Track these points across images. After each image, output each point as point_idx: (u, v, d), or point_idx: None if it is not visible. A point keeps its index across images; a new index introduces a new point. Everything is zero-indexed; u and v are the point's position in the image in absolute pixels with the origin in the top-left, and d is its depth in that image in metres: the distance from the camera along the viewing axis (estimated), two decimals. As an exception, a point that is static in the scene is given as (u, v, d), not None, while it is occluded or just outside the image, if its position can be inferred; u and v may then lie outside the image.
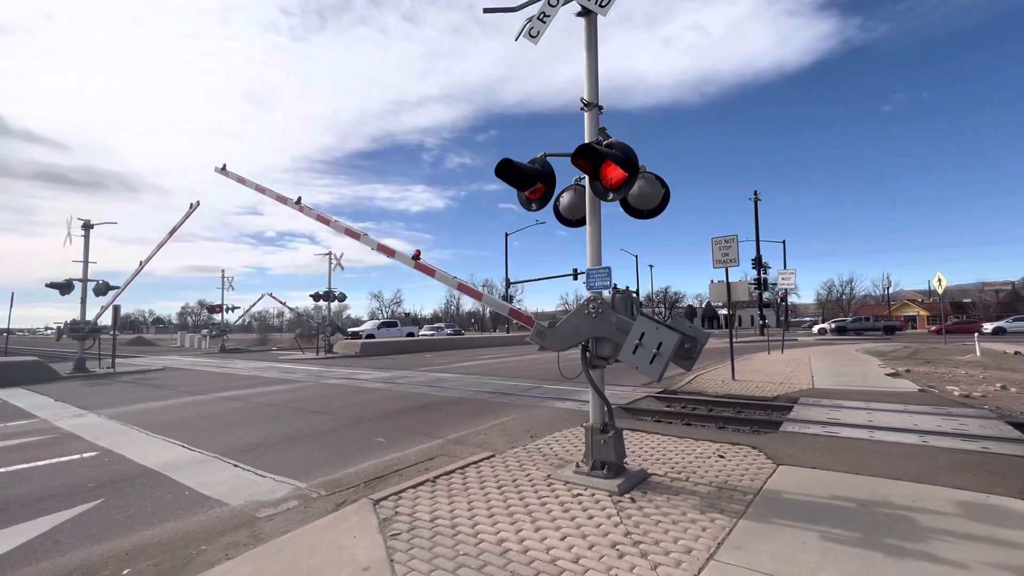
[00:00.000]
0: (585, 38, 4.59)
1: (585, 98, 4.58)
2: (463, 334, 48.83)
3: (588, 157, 3.95)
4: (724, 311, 61.15)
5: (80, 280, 17.47)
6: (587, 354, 4.28)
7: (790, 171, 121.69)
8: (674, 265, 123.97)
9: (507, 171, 4.37)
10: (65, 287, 17.50)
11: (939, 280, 21.14)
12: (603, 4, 4.23)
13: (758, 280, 39.72)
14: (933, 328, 44.21)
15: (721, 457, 4.92)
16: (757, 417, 7.33)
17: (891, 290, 73.17)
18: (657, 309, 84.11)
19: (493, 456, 5.11)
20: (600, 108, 4.59)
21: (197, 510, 4.10)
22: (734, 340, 31.08)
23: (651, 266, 79.43)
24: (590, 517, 3.46)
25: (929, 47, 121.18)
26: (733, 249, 10.92)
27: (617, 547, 3.00)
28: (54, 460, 5.76)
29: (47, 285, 17.42)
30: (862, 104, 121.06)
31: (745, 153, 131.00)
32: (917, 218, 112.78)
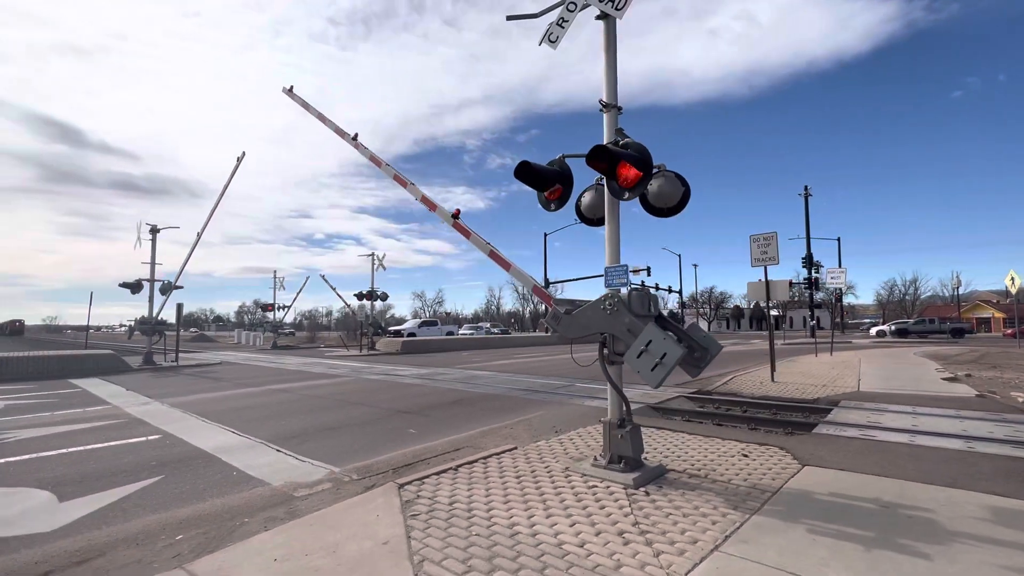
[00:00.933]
0: (604, 41, 4.68)
1: (604, 99, 4.67)
2: (510, 333, 48.86)
3: (603, 158, 4.04)
4: (774, 311, 58.71)
5: (148, 280, 19.00)
6: (604, 350, 4.37)
7: (848, 165, 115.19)
8: (720, 264, 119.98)
9: (525, 173, 4.53)
10: (135, 286, 19.10)
11: (1011, 279, 19.55)
12: (619, 7, 4.31)
13: (809, 279, 37.95)
14: (1009, 331, 40.69)
15: (745, 456, 4.88)
16: (791, 419, 7.14)
17: (962, 290, 67.85)
18: (702, 310, 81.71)
19: (515, 448, 5.28)
20: (619, 109, 4.67)
21: (243, 488, 4.50)
22: (783, 342, 29.71)
23: (695, 265, 76.53)
24: (602, 507, 3.56)
25: (1007, 26, 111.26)
26: (772, 247, 10.60)
27: (624, 535, 3.10)
28: (123, 441, 6.40)
29: (120, 285, 19.09)
30: (929, 91, 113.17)
31: (798, 147, 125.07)
32: (993, 212, 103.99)
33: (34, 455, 5.78)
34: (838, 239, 44.88)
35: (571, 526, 3.25)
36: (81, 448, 6.07)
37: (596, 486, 4.01)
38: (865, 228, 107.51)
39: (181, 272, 19.43)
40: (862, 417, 6.77)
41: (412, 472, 4.57)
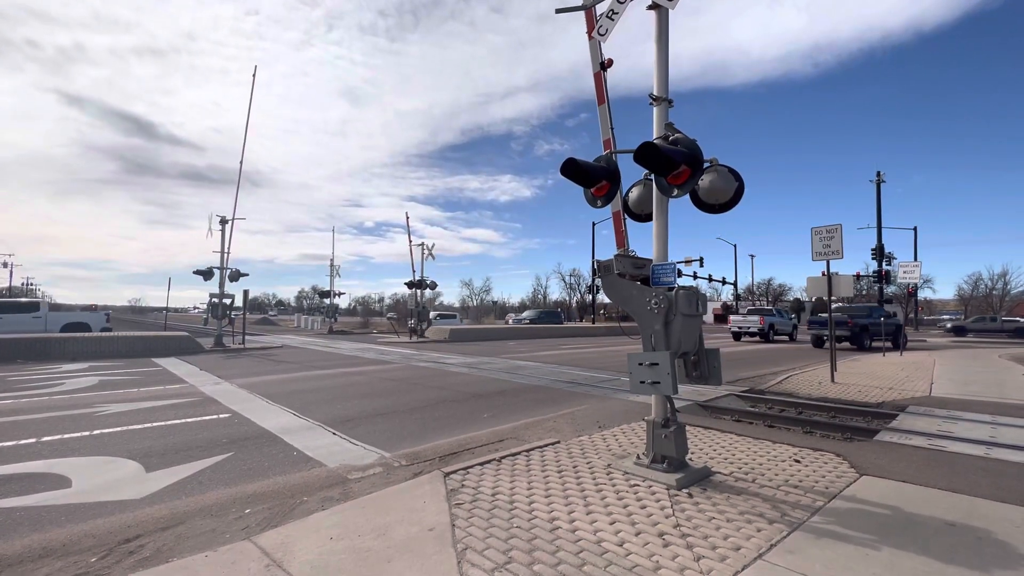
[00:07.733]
0: (655, 31, 4.56)
1: (654, 92, 4.56)
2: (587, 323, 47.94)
3: (651, 155, 3.96)
4: (836, 306, 54.91)
5: (219, 268, 20.45)
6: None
7: (927, 149, 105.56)
8: (779, 255, 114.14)
9: (572, 170, 4.51)
10: (207, 274, 20.64)
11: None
12: (671, -3, 4.17)
13: (879, 272, 35.42)
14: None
15: (797, 462, 4.71)
16: (850, 423, 6.77)
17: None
18: (759, 302, 78.20)
19: (558, 442, 5.34)
20: (669, 102, 4.55)
21: (302, 468, 4.84)
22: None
23: (752, 256, 73.61)
24: (643, 507, 3.57)
25: None
26: (836, 240, 10.00)
27: (664, 536, 3.10)
28: (198, 419, 7.01)
29: (194, 272, 20.66)
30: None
31: (869, 129, 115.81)
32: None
33: (124, 428, 6.44)
34: (914, 229, 41.61)
35: (611, 524, 3.29)
36: (163, 423, 6.70)
37: (638, 485, 4.02)
38: (946, 217, 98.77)
39: (227, 254, 20.66)
40: (931, 425, 6.32)
41: (457, 461, 4.74)
